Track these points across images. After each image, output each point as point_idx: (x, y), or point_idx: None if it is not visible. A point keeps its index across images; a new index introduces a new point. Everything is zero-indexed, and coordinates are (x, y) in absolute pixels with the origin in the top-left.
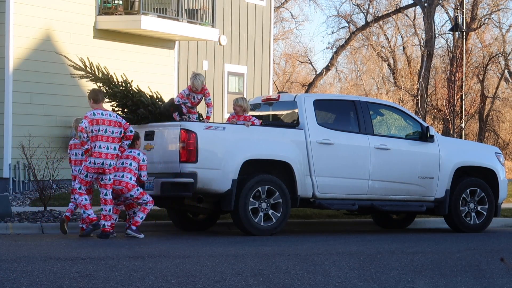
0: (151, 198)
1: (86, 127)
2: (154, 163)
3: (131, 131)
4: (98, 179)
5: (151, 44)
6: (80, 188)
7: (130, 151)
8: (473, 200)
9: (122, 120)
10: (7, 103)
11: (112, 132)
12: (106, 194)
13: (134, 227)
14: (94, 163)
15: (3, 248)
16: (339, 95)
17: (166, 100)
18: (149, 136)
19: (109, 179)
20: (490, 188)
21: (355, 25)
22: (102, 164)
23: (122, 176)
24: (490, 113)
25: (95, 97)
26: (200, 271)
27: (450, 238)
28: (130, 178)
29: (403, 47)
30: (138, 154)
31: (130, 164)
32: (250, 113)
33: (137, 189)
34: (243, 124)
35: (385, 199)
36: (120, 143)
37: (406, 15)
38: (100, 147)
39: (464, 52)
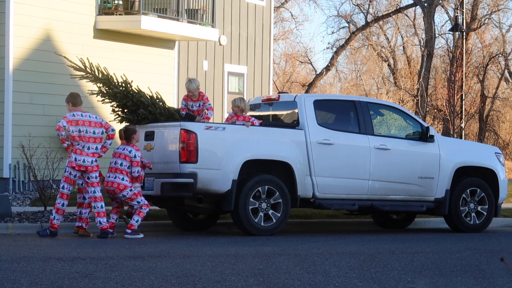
0: (146, 202)
1: (64, 126)
2: (154, 163)
3: (112, 130)
4: (84, 179)
5: (151, 44)
6: (63, 188)
7: (124, 148)
8: (473, 200)
9: (102, 121)
10: (7, 103)
11: (94, 133)
12: (94, 192)
13: (129, 231)
14: (75, 159)
15: (3, 248)
16: (339, 95)
17: (166, 100)
18: (149, 136)
19: (95, 177)
20: (490, 188)
21: (355, 25)
22: (84, 161)
23: (115, 177)
24: (490, 113)
25: (74, 101)
26: (200, 271)
27: (450, 238)
28: (122, 179)
29: (403, 47)
30: (130, 151)
31: (121, 164)
32: (250, 113)
33: (130, 190)
34: (243, 125)
35: (385, 199)
36: (102, 143)
37: (406, 15)
38: (83, 147)
39: (464, 52)
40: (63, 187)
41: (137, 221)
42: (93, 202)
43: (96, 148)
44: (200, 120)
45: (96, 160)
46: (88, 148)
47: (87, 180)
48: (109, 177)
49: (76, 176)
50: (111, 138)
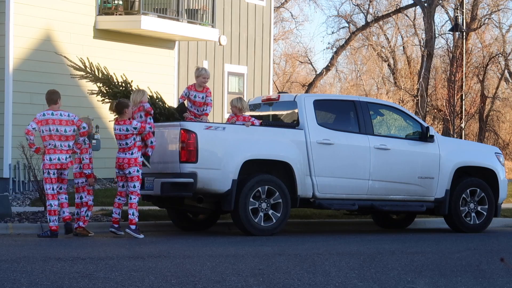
0: (139, 191)
1: (33, 129)
2: (154, 163)
3: (84, 128)
4: (59, 175)
5: (151, 44)
6: (47, 189)
7: (119, 129)
8: (473, 200)
9: (74, 118)
10: (7, 103)
11: (65, 131)
12: (60, 188)
13: (133, 226)
14: (50, 159)
15: (3, 248)
16: (339, 95)
17: (166, 100)
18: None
19: (66, 174)
20: (490, 188)
21: (355, 25)
22: (58, 159)
23: (125, 154)
24: (490, 113)
25: (47, 99)
26: (200, 271)
27: (450, 238)
28: (132, 153)
29: (403, 47)
30: (127, 129)
31: (127, 144)
32: (250, 113)
33: (137, 170)
34: (243, 124)
35: (385, 199)
36: (74, 140)
37: (406, 15)
38: (55, 145)
39: (464, 52)
40: (47, 189)
41: (133, 214)
42: (58, 194)
43: (69, 145)
44: (202, 116)
45: (70, 157)
46: (61, 146)
47: (60, 176)
48: (119, 154)
49: (55, 174)
50: (82, 135)
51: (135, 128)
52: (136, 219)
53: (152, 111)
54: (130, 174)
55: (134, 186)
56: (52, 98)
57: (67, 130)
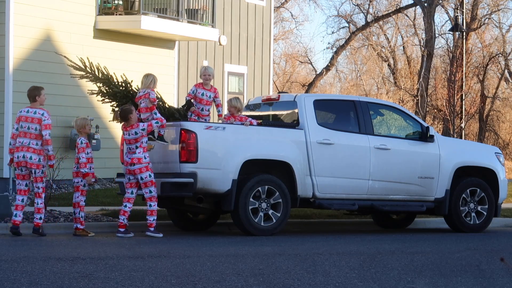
0: (156, 194)
1: (15, 129)
2: (154, 163)
3: (44, 135)
4: (31, 173)
5: (151, 44)
6: (19, 185)
7: (129, 134)
8: (473, 200)
9: (45, 120)
10: (7, 103)
11: (36, 129)
12: (38, 188)
13: (152, 229)
14: (18, 157)
15: (3, 248)
16: (339, 95)
17: (166, 100)
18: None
19: (41, 172)
20: (490, 188)
21: (355, 25)
22: (23, 157)
23: (134, 153)
24: (490, 113)
25: (27, 95)
26: (200, 271)
27: (450, 238)
28: (135, 153)
29: (403, 47)
30: (136, 133)
31: (136, 147)
32: (250, 113)
33: (150, 175)
34: (242, 124)
35: (385, 199)
36: (41, 140)
37: (406, 15)
38: (22, 143)
39: (464, 52)
40: (17, 184)
41: (154, 219)
42: (36, 198)
43: (37, 144)
44: (220, 118)
45: (39, 160)
46: (29, 144)
47: (34, 174)
48: (127, 157)
49: (23, 171)
50: (45, 143)
51: (143, 130)
52: (155, 223)
53: (156, 102)
54: (143, 180)
55: (150, 192)
56: (31, 94)
57: (38, 129)
